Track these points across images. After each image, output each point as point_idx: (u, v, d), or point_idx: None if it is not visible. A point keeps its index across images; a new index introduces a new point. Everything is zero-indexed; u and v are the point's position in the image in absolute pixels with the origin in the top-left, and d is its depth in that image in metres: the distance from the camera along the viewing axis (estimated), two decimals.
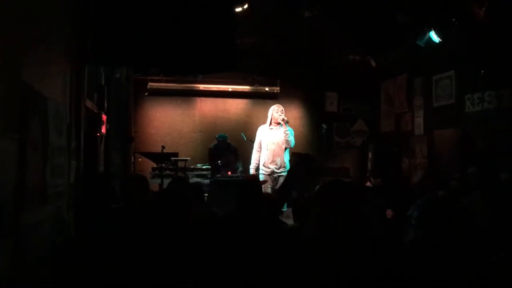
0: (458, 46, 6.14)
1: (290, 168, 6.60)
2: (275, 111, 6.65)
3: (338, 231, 2.18)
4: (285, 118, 6.65)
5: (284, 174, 6.53)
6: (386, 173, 7.36)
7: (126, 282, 2.51)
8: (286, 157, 6.60)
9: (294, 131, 6.90)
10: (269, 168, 6.52)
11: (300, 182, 6.49)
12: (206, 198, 6.71)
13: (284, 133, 6.52)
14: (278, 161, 6.48)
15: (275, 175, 6.51)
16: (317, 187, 3.14)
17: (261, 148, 6.71)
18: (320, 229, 2.24)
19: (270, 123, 6.65)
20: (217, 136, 8.08)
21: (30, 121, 2.48)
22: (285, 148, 6.58)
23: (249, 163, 7.24)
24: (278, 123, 6.59)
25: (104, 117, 5.36)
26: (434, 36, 6.09)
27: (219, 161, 7.52)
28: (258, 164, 6.77)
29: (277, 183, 6.47)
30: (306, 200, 3.31)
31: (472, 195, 3.64)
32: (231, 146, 7.98)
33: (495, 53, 5.62)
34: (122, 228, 2.85)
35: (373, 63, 8.35)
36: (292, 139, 6.57)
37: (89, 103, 4.61)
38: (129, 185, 3.29)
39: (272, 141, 6.52)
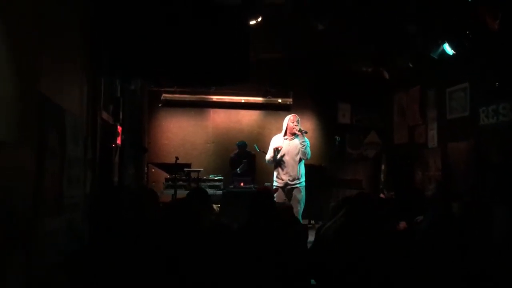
0: (472, 58, 6.12)
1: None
2: (291, 121, 6.49)
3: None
4: (302, 129, 6.49)
5: (299, 186, 6.39)
6: (399, 186, 7.33)
7: None
8: (301, 169, 6.48)
9: None
10: (282, 180, 6.40)
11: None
12: (218, 209, 6.75)
13: (301, 144, 6.39)
14: (292, 172, 6.37)
15: (289, 187, 6.38)
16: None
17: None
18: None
19: (285, 134, 6.52)
20: (237, 143, 8.21)
21: (48, 132, 2.53)
22: (300, 160, 6.44)
23: (263, 174, 7.22)
24: (293, 134, 6.46)
25: (119, 128, 5.42)
26: (448, 49, 6.07)
27: (238, 169, 7.54)
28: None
29: (291, 196, 6.36)
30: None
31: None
32: (250, 153, 8.11)
33: (509, 65, 5.59)
34: (135, 238, 2.88)
35: (386, 75, 8.33)
36: (308, 151, 6.42)
37: (104, 115, 4.67)
38: (139, 197, 3.33)
39: (287, 152, 6.42)
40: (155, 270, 2.40)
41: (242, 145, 8.22)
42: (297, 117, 6.52)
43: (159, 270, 2.42)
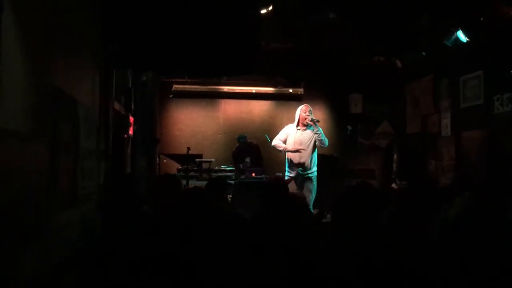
0: (486, 46, 6.03)
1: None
2: (303, 111, 6.48)
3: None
4: (314, 118, 6.48)
5: (311, 175, 6.40)
6: (412, 176, 7.27)
7: (152, 283, 2.54)
8: (314, 158, 6.48)
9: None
10: (294, 170, 6.43)
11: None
12: (230, 199, 6.77)
13: (316, 133, 6.38)
14: (306, 162, 6.38)
15: (301, 177, 6.40)
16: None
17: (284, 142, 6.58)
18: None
19: (298, 124, 6.52)
20: (237, 137, 8.20)
21: (62, 124, 2.54)
22: (313, 149, 6.44)
23: (275, 164, 7.23)
24: (306, 125, 6.45)
25: (131, 119, 5.44)
26: (461, 36, 5.99)
27: (241, 165, 7.56)
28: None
29: (303, 186, 6.37)
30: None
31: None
32: (252, 145, 8.08)
33: None
34: (148, 230, 2.89)
35: (399, 64, 8.25)
36: (325, 138, 6.43)
37: (117, 106, 4.69)
38: (160, 186, 3.34)
39: (300, 142, 6.41)
40: (168, 260, 2.41)
41: (243, 139, 8.16)
42: (309, 107, 6.51)
43: (172, 260, 2.43)
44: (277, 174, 6.81)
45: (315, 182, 6.38)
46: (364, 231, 2.28)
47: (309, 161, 6.36)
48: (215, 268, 2.47)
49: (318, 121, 6.47)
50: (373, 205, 2.63)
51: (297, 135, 6.41)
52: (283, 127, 6.82)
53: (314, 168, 6.43)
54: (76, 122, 2.86)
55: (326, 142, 6.44)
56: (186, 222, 2.74)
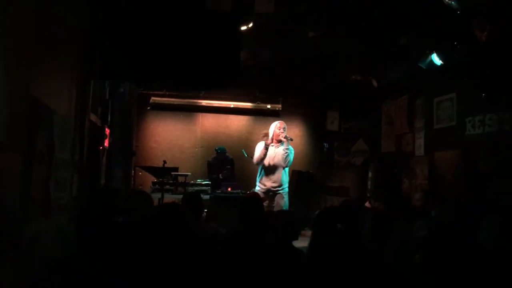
0: (459, 69, 6.19)
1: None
2: (277, 127, 6.53)
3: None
4: (288, 136, 6.52)
5: (282, 192, 6.44)
6: (386, 195, 7.35)
7: None
8: (285, 175, 6.52)
9: (295, 149, 6.83)
10: (265, 185, 6.45)
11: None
12: (205, 213, 6.73)
13: (283, 150, 6.42)
14: (276, 179, 6.42)
15: (271, 193, 6.43)
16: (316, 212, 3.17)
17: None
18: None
19: (272, 140, 6.55)
20: (216, 148, 8.23)
21: (37, 134, 2.50)
22: (284, 166, 6.48)
23: (249, 180, 7.24)
24: (279, 141, 6.49)
25: (107, 130, 5.38)
26: (436, 59, 6.14)
27: (220, 175, 7.54)
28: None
29: (273, 202, 6.39)
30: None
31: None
32: (228, 158, 8.13)
33: (496, 77, 5.67)
34: (123, 242, 2.85)
35: (375, 83, 8.39)
36: (290, 159, 6.46)
37: (93, 117, 4.64)
38: (132, 200, 3.31)
39: (273, 158, 6.45)
40: (144, 274, 2.38)
41: (222, 152, 8.23)
42: (284, 124, 6.57)
43: (148, 274, 2.40)
44: (253, 190, 6.80)
45: (286, 198, 6.42)
46: (343, 248, 2.30)
47: (281, 177, 6.41)
48: (188, 280, 2.45)
49: (291, 140, 6.52)
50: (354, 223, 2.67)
51: (270, 151, 6.44)
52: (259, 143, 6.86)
53: (286, 185, 6.48)
54: (51, 132, 2.83)
55: (290, 162, 6.48)
56: (161, 236, 2.72)
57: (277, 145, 6.46)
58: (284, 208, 6.31)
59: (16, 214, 2.22)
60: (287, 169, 6.51)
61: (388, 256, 2.78)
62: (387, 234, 2.90)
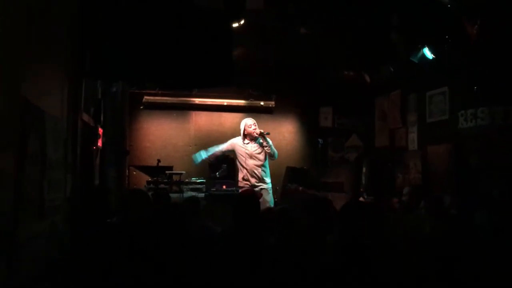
0: (451, 63, 6.22)
1: None
2: (247, 126, 6.57)
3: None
4: (263, 131, 6.54)
5: (266, 187, 6.48)
6: (380, 189, 7.39)
7: None
8: (267, 171, 6.57)
9: (289, 146, 6.90)
10: (249, 182, 6.51)
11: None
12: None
13: (265, 146, 6.47)
14: (257, 175, 6.47)
15: (256, 188, 6.48)
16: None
17: (226, 151, 6.67)
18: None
19: (245, 137, 6.59)
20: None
21: (29, 135, 2.49)
22: (263, 162, 6.52)
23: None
24: (254, 138, 6.53)
25: (100, 130, 5.36)
26: (427, 53, 6.16)
27: (217, 173, 7.53)
28: (215, 156, 6.65)
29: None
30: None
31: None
32: (229, 157, 8.10)
33: (488, 70, 5.70)
34: (118, 243, 2.84)
35: (368, 79, 8.41)
36: (274, 151, 6.52)
37: (85, 117, 4.62)
38: (129, 200, 3.30)
39: (251, 155, 6.49)
40: (140, 273, 2.38)
41: None
42: (253, 120, 6.61)
43: (145, 274, 2.40)
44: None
45: (271, 194, 6.47)
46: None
47: (261, 173, 6.45)
48: (184, 280, 2.45)
49: (268, 134, 6.55)
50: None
51: (247, 148, 6.49)
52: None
53: (269, 180, 6.53)
54: (44, 133, 2.81)
55: (276, 154, 6.54)
56: (156, 237, 2.72)
57: (253, 142, 6.53)
58: (271, 204, 6.38)
59: (10, 216, 2.21)
60: (267, 164, 6.57)
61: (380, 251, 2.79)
62: (379, 228, 2.92)
